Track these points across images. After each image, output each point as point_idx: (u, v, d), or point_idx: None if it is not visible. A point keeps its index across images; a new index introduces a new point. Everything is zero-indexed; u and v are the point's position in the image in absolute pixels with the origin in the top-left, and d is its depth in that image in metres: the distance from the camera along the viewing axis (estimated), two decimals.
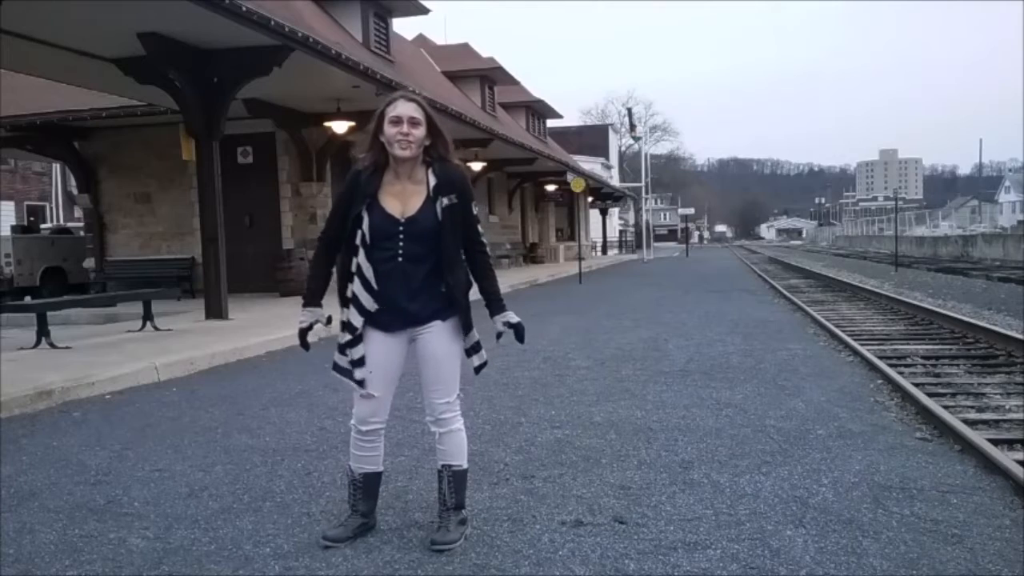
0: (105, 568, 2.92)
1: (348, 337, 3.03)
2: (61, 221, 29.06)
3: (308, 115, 14.77)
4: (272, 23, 9.24)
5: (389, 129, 2.93)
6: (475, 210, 3.08)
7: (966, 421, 4.62)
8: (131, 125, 15.67)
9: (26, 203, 29.75)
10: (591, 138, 57.56)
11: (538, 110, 31.74)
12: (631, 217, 69.86)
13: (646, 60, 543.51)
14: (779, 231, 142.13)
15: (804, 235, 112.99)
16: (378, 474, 3.19)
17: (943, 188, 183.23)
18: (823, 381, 6.11)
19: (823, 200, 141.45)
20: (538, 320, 10.40)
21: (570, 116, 76.19)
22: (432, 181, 3.00)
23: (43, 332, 8.29)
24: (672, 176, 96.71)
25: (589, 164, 43.43)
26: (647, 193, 46.83)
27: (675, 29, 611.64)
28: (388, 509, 3.40)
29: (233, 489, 3.79)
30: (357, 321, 3.01)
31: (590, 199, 41.27)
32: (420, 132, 2.95)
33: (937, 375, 6.47)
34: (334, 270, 3.11)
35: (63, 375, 6.39)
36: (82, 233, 18.21)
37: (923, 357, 7.27)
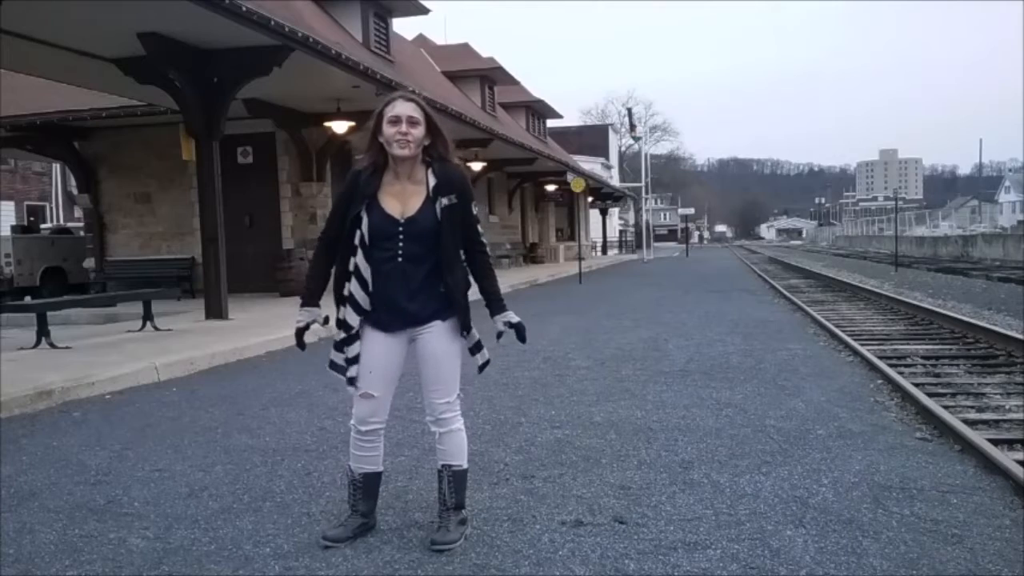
0: (105, 568, 2.92)
1: (343, 335, 3.03)
2: (61, 221, 29.06)
3: (308, 115, 14.77)
4: (272, 23, 9.24)
5: (388, 129, 2.93)
6: (475, 210, 3.08)
7: (966, 421, 4.62)
8: (131, 125, 15.67)
9: (26, 203, 29.75)
10: (591, 138, 57.56)
11: (538, 110, 31.74)
12: (631, 217, 69.86)
13: (646, 60, 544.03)
14: (779, 231, 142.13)
15: (804, 235, 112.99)
16: (378, 474, 3.19)
17: (943, 188, 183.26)
18: (823, 381, 6.11)
19: (823, 200, 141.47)
20: (538, 320, 10.40)
21: (570, 116, 76.26)
22: (432, 181, 3.00)
23: (43, 332, 8.29)
24: (672, 176, 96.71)
25: (589, 164, 43.43)
26: (647, 193, 46.83)
27: (675, 29, 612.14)
28: (388, 509, 3.40)
29: (233, 489, 3.79)
30: (353, 320, 3.01)
31: (590, 199, 41.27)
32: (419, 132, 2.95)
33: (937, 375, 6.47)
34: (333, 270, 3.12)
35: (63, 375, 6.39)
36: (82, 233, 18.21)
37: (923, 357, 7.27)
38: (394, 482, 3.73)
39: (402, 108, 2.95)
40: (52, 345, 8.20)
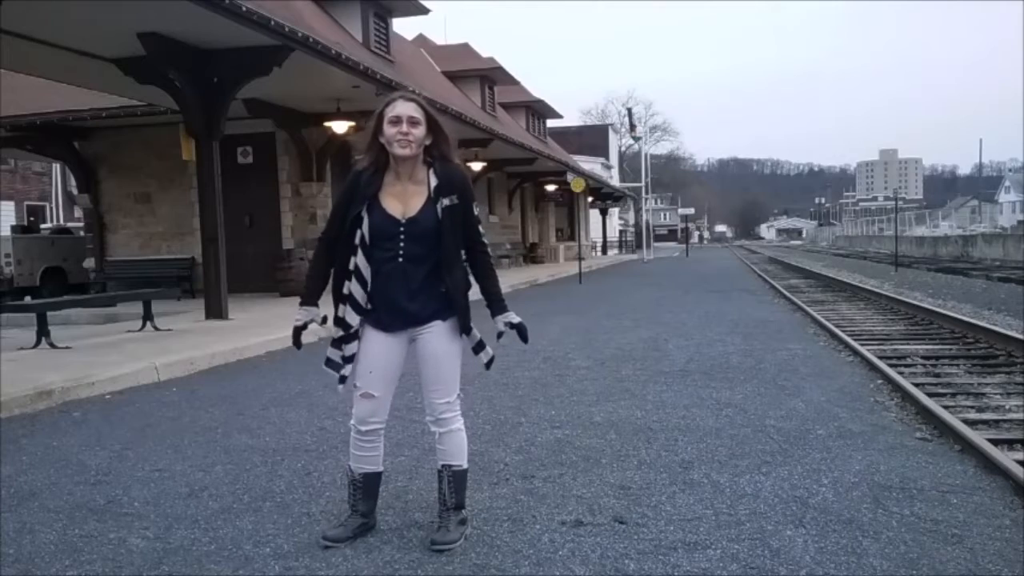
0: (105, 568, 2.92)
1: (342, 333, 3.03)
2: (61, 221, 29.06)
3: (308, 115, 14.77)
4: (272, 23, 9.24)
5: (389, 129, 2.94)
6: (476, 211, 3.08)
7: (966, 421, 4.62)
8: (131, 125, 15.67)
9: (26, 203, 29.75)
10: (591, 138, 57.55)
11: (538, 110, 31.74)
12: (631, 217, 69.86)
13: (646, 60, 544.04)
14: (779, 231, 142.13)
15: (804, 235, 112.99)
16: (378, 474, 3.19)
17: (943, 188, 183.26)
18: (823, 381, 6.11)
19: (823, 200, 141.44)
20: (538, 320, 10.40)
21: (570, 116, 76.26)
22: (433, 182, 3.00)
23: (43, 332, 8.29)
24: (672, 176, 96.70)
25: (589, 164, 43.42)
26: (647, 193, 46.83)
27: (675, 29, 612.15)
28: (388, 509, 3.40)
29: (233, 489, 3.79)
30: (352, 319, 3.01)
31: (590, 199, 41.28)
32: (420, 131, 2.95)
33: (937, 375, 6.47)
34: (333, 270, 3.12)
35: (63, 375, 6.39)
36: (82, 233, 18.21)
37: (923, 357, 7.27)
38: (394, 482, 3.73)
39: (403, 108, 2.95)
40: (52, 345, 8.20)
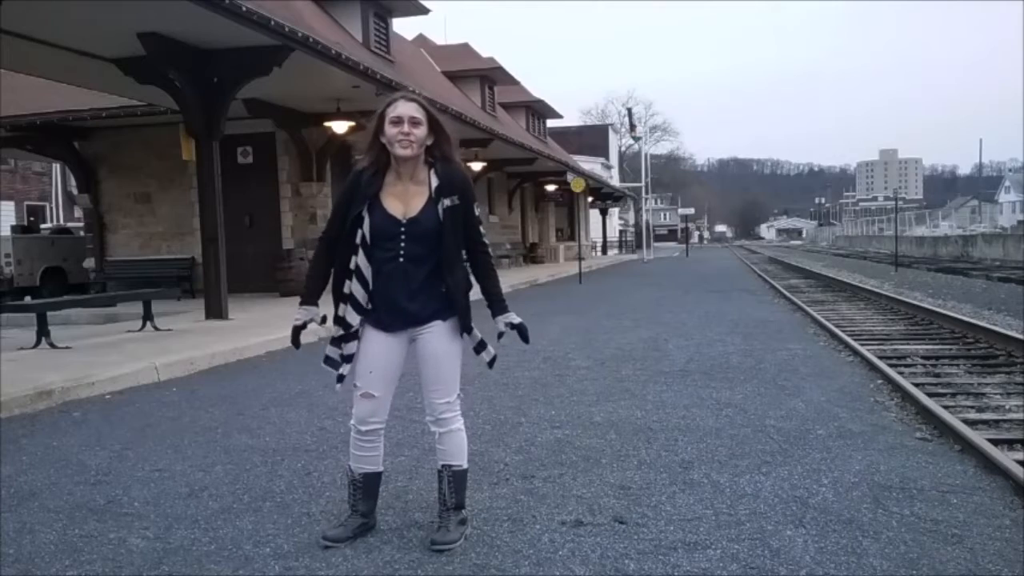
0: (105, 568, 2.92)
1: (342, 332, 3.04)
2: (61, 221, 29.06)
3: (308, 115, 14.77)
4: (272, 23, 9.24)
5: (390, 129, 2.94)
6: (477, 211, 3.08)
7: (966, 421, 4.62)
8: (131, 125, 15.67)
9: (26, 203, 29.75)
10: (591, 138, 57.55)
11: (538, 110, 31.74)
12: (631, 217, 69.86)
13: (646, 60, 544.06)
14: (779, 231, 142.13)
15: (804, 235, 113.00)
16: (378, 474, 3.19)
17: (943, 188, 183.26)
18: (823, 381, 6.11)
19: (823, 200, 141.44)
20: (538, 320, 10.39)
21: (570, 116, 76.24)
22: (434, 182, 3.00)
23: (43, 332, 8.29)
24: (672, 176, 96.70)
25: (589, 164, 43.42)
26: (647, 193, 46.83)
27: (675, 29, 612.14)
28: (388, 509, 3.40)
29: (233, 489, 3.79)
30: (353, 319, 3.01)
31: (590, 199, 41.28)
32: (421, 132, 2.95)
33: (937, 375, 6.47)
34: (333, 269, 3.12)
35: (63, 375, 6.39)
36: (82, 233, 18.21)
37: (923, 357, 7.27)
38: (394, 482, 3.73)
39: (404, 108, 2.95)
40: (52, 345, 8.20)
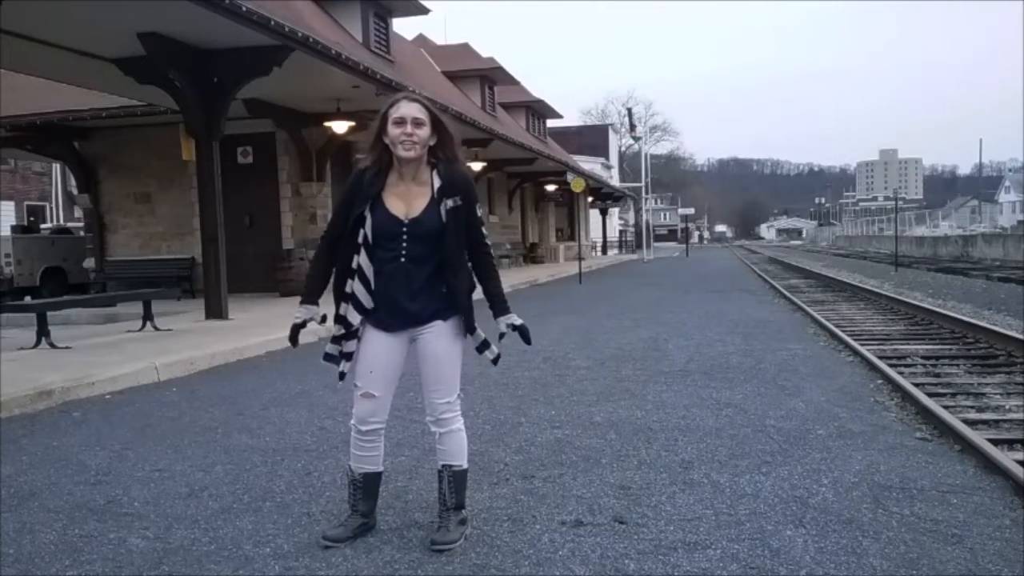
0: (105, 568, 2.92)
1: (343, 331, 3.04)
2: (61, 221, 29.06)
3: (308, 115, 14.77)
4: (272, 23, 9.24)
5: (393, 130, 2.94)
6: (479, 212, 3.09)
7: (966, 421, 4.62)
8: (131, 125, 15.67)
9: (26, 203, 29.75)
10: (591, 138, 57.56)
11: (538, 110, 31.74)
12: (631, 217, 69.85)
13: (646, 60, 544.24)
14: (779, 231, 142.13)
15: (804, 235, 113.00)
16: (378, 474, 3.19)
17: (943, 188, 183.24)
18: (823, 381, 6.11)
19: (823, 200, 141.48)
20: (538, 320, 10.39)
21: (570, 116, 76.29)
22: (436, 183, 3.00)
23: (43, 332, 8.29)
24: (672, 176, 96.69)
25: (589, 164, 43.42)
26: (647, 193, 46.82)
27: (675, 29, 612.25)
28: (388, 509, 3.40)
29: (233, 489, 3.79)
30: (354, 318, 3.02)
31: (590, 199, 41.27)
32: (424, 132, 2.95)
33: (937, 375, 6.47)
34: (334, 269, 3.12)
35: (63, 375, 6.39)
36: (82, 233, 18.21)
37: (923, 357, 7.27)
38: (394, 482, 3.73)
39: (407, 109, 2.95)
40: (52, 345, 8.20)
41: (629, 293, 16.17)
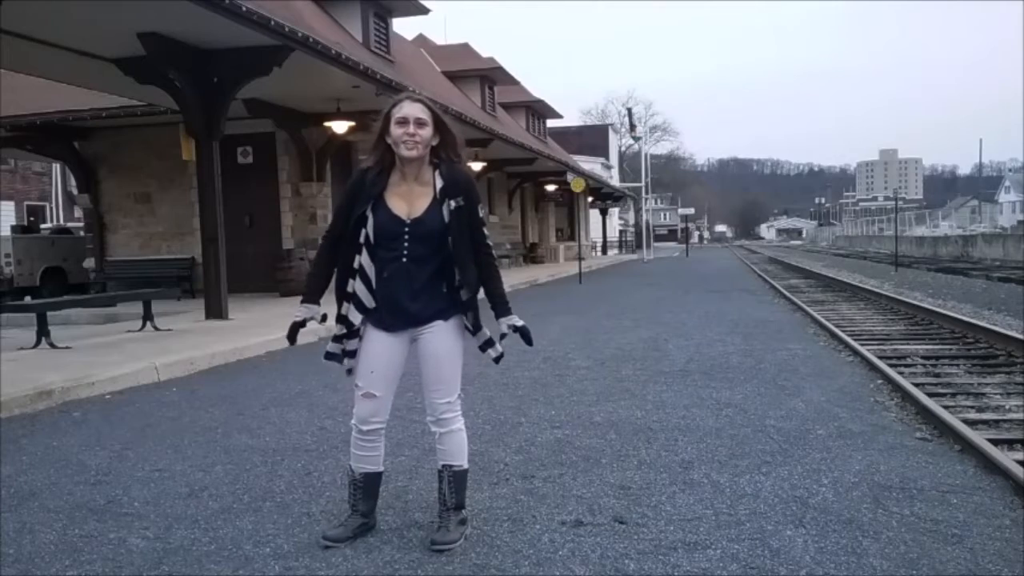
0: (105, 568, 2.92)
1: (345, 331, 3.04)
2: (61, 221, 29.06)
3: (308, 115, 14.77)
4: (272, 23, 9.24)
5: (395, 130, 2.94)
6: (481, 212, 3.09)
7: (966, 421, 4.62)
8: (131, 125, 15.67)
9: (26, 203, 29.75)
10: (591, 138, 57.55)
11: (538, 110, 31.74)
12: (631, 217, 69.85)
13: (646, 60, 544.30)
14: (779, 231, 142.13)
15: (804, 235, 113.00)
16: (378, 474, 3.19)
17: (943, 188, 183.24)
18: (823, 381, 6.11)
19: (823, 200, 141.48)
20: (538, 320, 10.39)
21: (570, 116, 76.26)
22: (439, 183, 3.01)
23: (43, 332, 8.29)
24: (672, 176, 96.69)
25: (589, 164, 43.42)
26: (647, 193, 46.83)
27: (675, 29, 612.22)
28: (388, 509, 3.40)
29: (233, 489, 3.79)
30: (355, 318, 3.02)
31: (590, 199, 41.27)
32: (426, 133, 2.96)
33: (937, 375, 6.47)
34: (336, 268, 3.12)
35: (63, 375, 6.39)
36: (82, 233, 18.21)
37: (923, 357, 7.27)
38: (394, 482, 3.73)
39: (409, 109, 2.95)
40: (52, 345, 8.20)
41: (629, 293, 16.17)
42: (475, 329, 3.07)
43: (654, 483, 3.74)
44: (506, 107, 28.97)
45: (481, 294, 3.10)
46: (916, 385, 5.61)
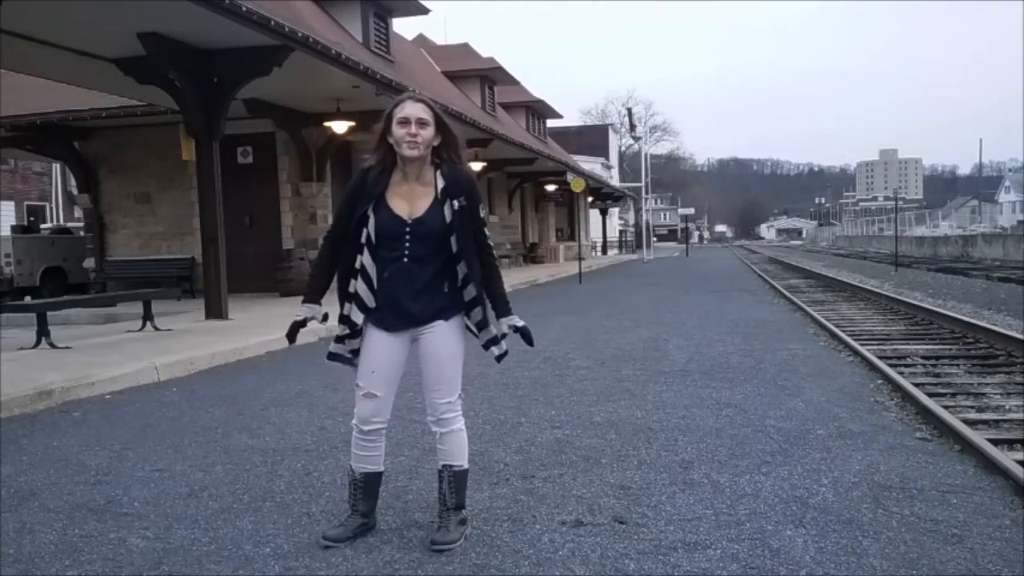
0: (105, 568, 2.92)
1: (347, 331, 3.04)
2: (61, 221, 29.06)
3: (308, 115, 14.77)
4: (272, 23, 9.24)
5: (397, 130, 2.94)
6: (482, 213, 3.09)
7: (966, 421, 4.62)
8: (131, 125, 15.67)
9: (26, 203, 29.75)
10: (591, 138, 57.55)
11: (538, 110, 31.74)
12: (631, 217, 69.85)
13: (646, 60, 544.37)
14: (779, 231, 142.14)
15: (804, 235, 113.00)
16: (379, 474, 3.19)
17: (943, 188, 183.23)
18: (823, 381, 6.11)
19: (823, 200, 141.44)
20: (538, 320, 10.38)
21: (570, 116, 76.27)
22: (440, 183, 3.01)
23: (43, 332, 8.29)
24: (672, 176, 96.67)
25: (589, 164, 43.43)
26: (647, 193, 46.82)
27: (675, 29, 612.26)
28: (388, 509, 3.40)
29: (233, 489, 3.79)
30: (358, 318, 3.03)
31: (590, 199, 41.27)
32: (428, 133, 2.96)
33: (937, 375, 6.47)
34: (338, 268, 3.13)
35: (63, 375, 6.39)
36: (82, 233, 18.21)
37: (923, 357, 7.27)
38: (394, 482, 3.73)
39: (411, 109, 2.96)
40: (52, 345, 8.20)
41: (629, 293, 16.17)
42: (482, 326, 3.07)
43: (654, 483, 3.74)
44: (506, 107, 28.97)
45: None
46: (916, 385, 5.61)
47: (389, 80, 12.52)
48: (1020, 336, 7.41)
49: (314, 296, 3.12)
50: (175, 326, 9.97)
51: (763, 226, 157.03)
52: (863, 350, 7.21)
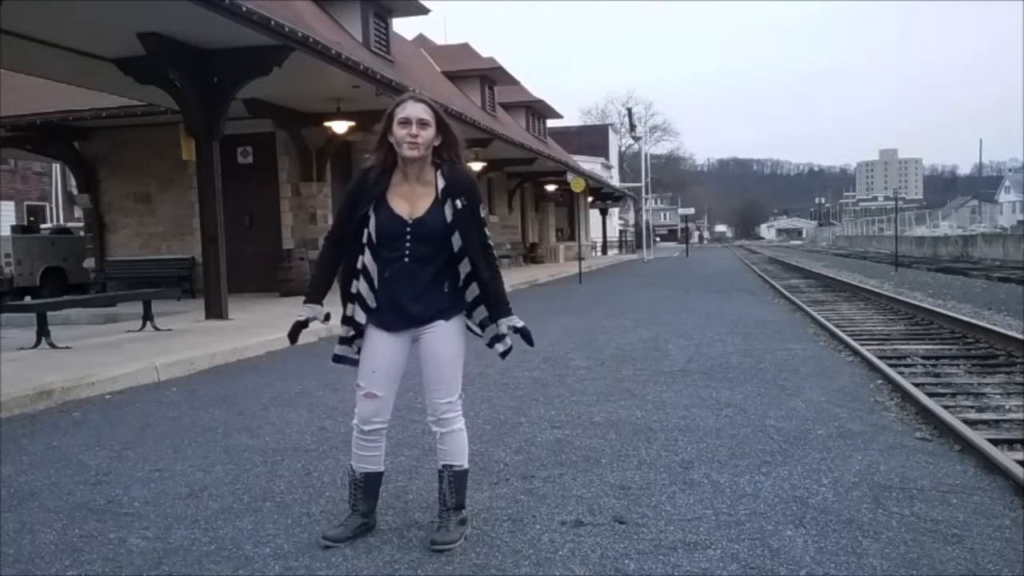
0: (105, 568, 2.92)
1: (352, 332, 3.05)
2: (61, 221, 29.06)
3: (308, 115, 14.77)
4: (272, 23, 9.24)
5: (398, 130, 2.94)
6: (483, 213, 3.09)
7: (966, 421, 4.62)
8: (131, 125, 15.68)
9: (26, 203, 29.75)
10: (591, 138, 57.56)
11: (538, 110, 31.74)
12: (631, 217, 69.84)
13: (646, 60, 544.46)
14: (779, 231, 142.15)
15: (804, 235, 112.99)
16: (379, 474, 3.20)
17: (943, 188, 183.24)
18: (823, 381, 6.11)
19: (823, 200, 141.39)
20: (538, 320, 10.39)
21: (570, 116, 76.29)
22: (440, 183, 3.01)
23: (43, 332, 8.29)
24: (672, 176, 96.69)
25: (589, 164, 43.43)
26: (647, 193, 46.82)
27: (675, 29, 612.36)
28: (388, 509, 3.40)
29: (233, 489, 3.79)
30: (361, 318, 3.03)
31: (590, 199, 41.27)
32: (429, 133, 2.96)
33: (937, 375, 6.47)
34: (339, 269, 3.13)
35: (63, 375, 6.39)
36: (82, 233, 18.22)
37: (923, 357, 7.27)
38: (394, 482, 3.73)
39: (412, 109, 2.96)
40: (52, 345, 8.20)
41: (629, 293, 16.17)
42: (485, 324, 3.08)
43: (654, 483, 3.74)
44: (506, 107, 28.98)
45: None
46: (916, 385, 5.61)
47: (389, 80, 12.53)
48: (1020, 336, 7.41)
49: (316, 296, 3.12)
50: (175, 326, 9.97)
51: (763, 226, 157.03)
52: (863, 350, 7.21)
